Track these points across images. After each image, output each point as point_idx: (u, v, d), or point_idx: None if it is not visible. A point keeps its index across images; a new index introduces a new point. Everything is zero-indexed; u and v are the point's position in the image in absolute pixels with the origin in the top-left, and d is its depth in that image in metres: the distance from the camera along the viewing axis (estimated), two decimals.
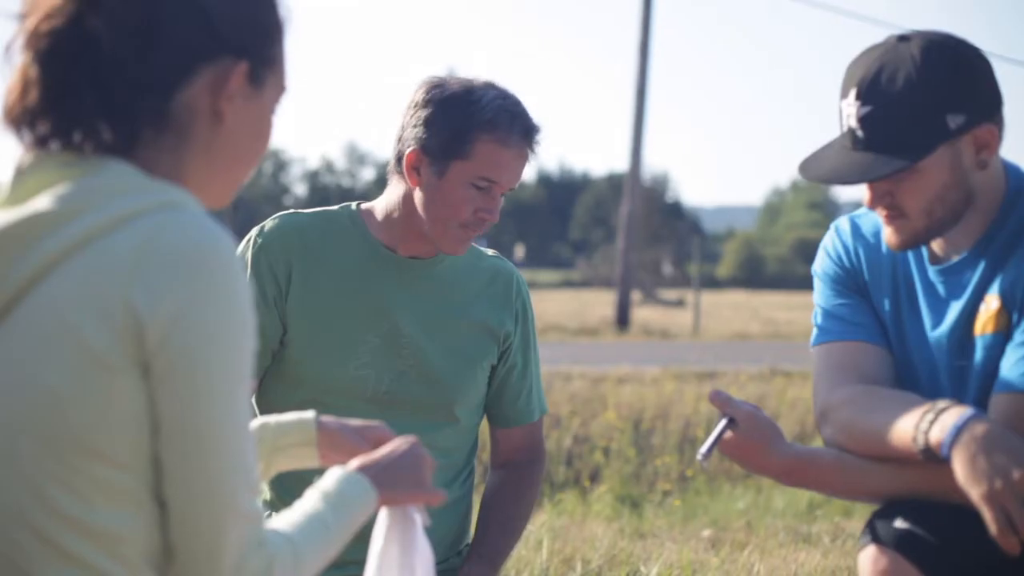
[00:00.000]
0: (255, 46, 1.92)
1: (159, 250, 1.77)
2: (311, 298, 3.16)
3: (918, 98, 2.60)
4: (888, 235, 2.72)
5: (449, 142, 3.08)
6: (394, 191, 3.21)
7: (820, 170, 2.70)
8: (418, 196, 3.14)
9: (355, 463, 2.15)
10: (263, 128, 1.97)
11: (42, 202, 1.80)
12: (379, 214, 3.23)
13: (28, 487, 1.79)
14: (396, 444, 2.23)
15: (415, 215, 3.17)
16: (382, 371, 3.17)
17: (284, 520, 1.94)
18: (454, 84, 3.12)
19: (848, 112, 2.66)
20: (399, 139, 3.16)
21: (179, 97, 1.87)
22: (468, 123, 3.07)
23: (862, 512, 7.87)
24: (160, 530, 1.82)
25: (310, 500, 2.01)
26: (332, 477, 2.08)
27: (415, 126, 3.11)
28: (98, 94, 1.83)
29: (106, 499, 1.79)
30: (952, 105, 2.61)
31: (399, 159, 3.16)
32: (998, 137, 2.65)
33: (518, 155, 3.12)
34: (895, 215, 2.68)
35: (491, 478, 3.41)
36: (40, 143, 1.85)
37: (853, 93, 2.65)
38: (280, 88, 1.99)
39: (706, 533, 7.06)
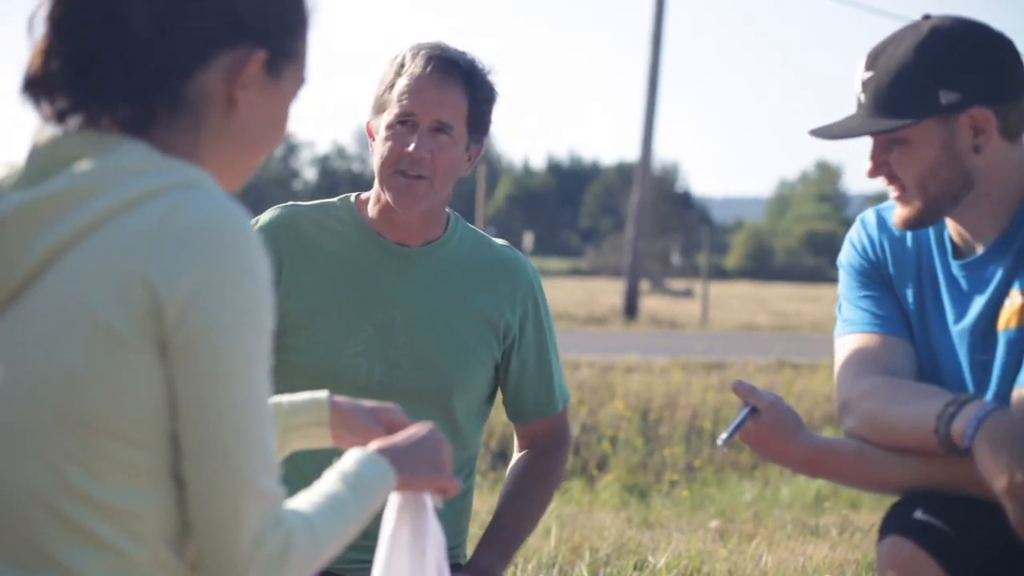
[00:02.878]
0: (275, 36, 1.92)
1: (177, 228, 1.76)
2: (304, 289, 3.14)
3: (913, 68, 2.65)
4: (894, 213, 2.77)
5: (377, 97, 3.16)
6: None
7: (822, 128, 2.78)
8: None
9: (375, 445, 2.14)
10: (278, 119, 1.97)
11: (59, 181, 1.80)
12: (369, 204, 3.23)
13: (45, 466, 1.78)
14: (415, 429, 2.22)
15: (382, 195, 3.18)
16: (375, 360, 3.14)
17: (303, 500, 1.93)
18: None
19: (857, 78, 2.74)
20: None
21: (195, 80, 1.87)
22: (389, 74, 3.14)
23: (870, 505, 7.86)
24: (177, 508, 1.82)
25: (329, 481, 2.00)
26: (352, 458, 2.07)
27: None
28: (119, 70, 1.83)
29: (123, 478, 1.79)
30: (947, 81, 2.64)
31: None
32: (995, 124, 2.66)
33: (432, 85, 3.11)
34: (899, 190, 2.72)
35: (514, 461, 3.37)
36: (59, 117, 1.85)
37: (864, 61, 2.73)
38: (299, 81, 1.99)
39: (714, 524, 7.05)
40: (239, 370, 1.78)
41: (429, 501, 2.39)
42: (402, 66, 3.13)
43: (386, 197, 3.14)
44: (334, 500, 1.96)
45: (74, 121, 1.85)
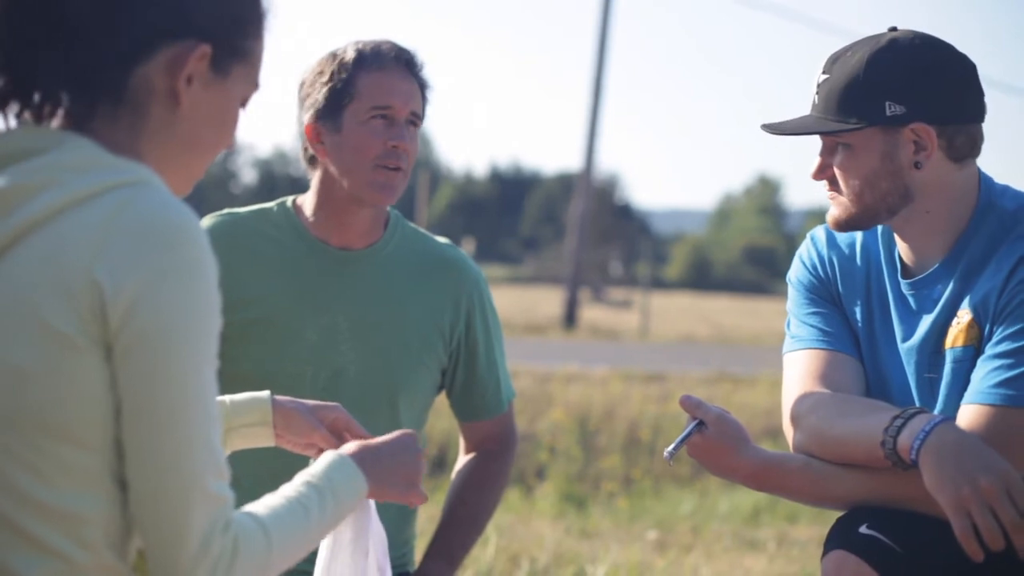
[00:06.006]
0: (222, 32, 1.90)
1: (123, 226, 1.75)
2: (245, 300, 3.10)
3: (863, 76, 2.68)
4: (828, 213, 2.80)
5: (332, 94, 3.11)
6: (312, 184, 3.20)
7: (774, 124, 2.81)
8: (330, 164, 3.14)
9: (351, 448, 2.12)
10: (224, 118, 1.94)
11: (11, 176, 1.77)
12: (308, 208, 3.20)
13: None
14: (396, 436, 2.21)
15: (331, 198, 3.15)
16: (319, 368, 3.12)
17: (262, 503, 1.91)
18: (317, 59, 3.18)
19: (815, 80, 2.76)
20: (300, 133, 3.19)
21: (138, 72, 1.85)
22: (340, 69, 3.11)
23: (808, 519, 7.90)
24: (121, 512, 1.80)
25: (295, 484, 1.99)
26: (324, 460, 2.05)
27: (301, 107, 3.17)
28: (55, 56, 1.81)
29: (68, 480, 1.76)
30: (894, 94, 2.67)
31: (305, 148, 3.18)
32: (936, 143, 2.68)
33: (400, 78, 3.12)
34: (835, 191, 2.75)
35: (460, 466, 3.36)
36: None
37: (824, 63, 2.76)
38: (251, 83, 1.97)
39: (652, 535, 7.06)
40: (185, 372, 1.76)
41: (371, 500, 2.38)
42: (360, 60, 3.10)
43: (359, 193, 3.11)
44: (295, 503, 1.94)
45: (13, 109, 1.83)
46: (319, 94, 3.12)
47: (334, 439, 2.40)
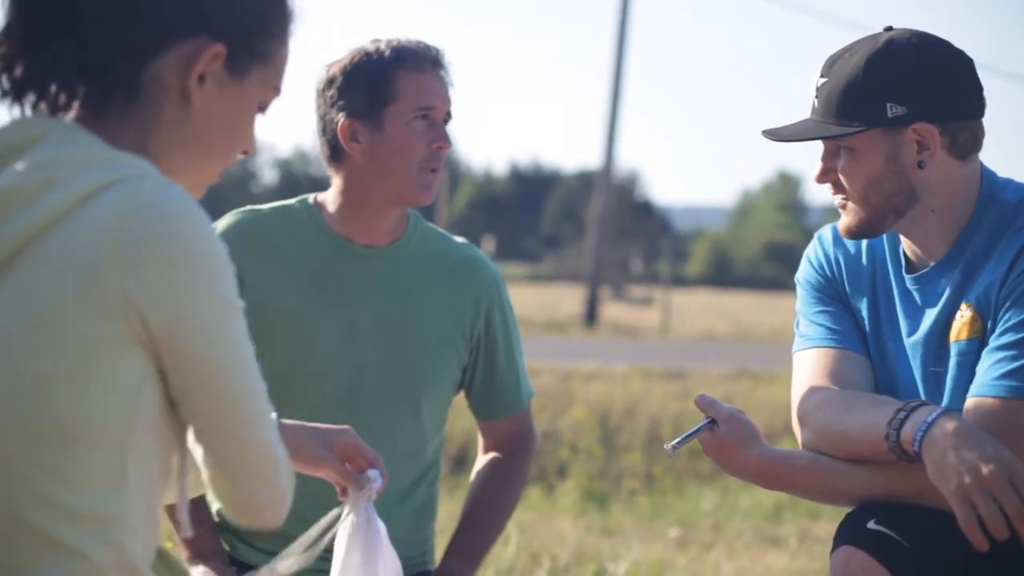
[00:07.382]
0: (240, 33, 1.88)
1: (134, 225, 1.73)
2: (267, 295, 3.10)
3: (863, 78, 2.67)
4: (839, 222, 2.80)
5: (372, 93, 3.09)
6: (337, 182, 3.19)
7: (774, 130, 2.80)
8: (365, 163, 3.12)
9: None
10: (239, 121, 1.92)
11: (10, 176, 1.76)
12: (331, 206, 3.20)
13: (10, 473, 1.75)
14: None
15: (363, 196, 3.15)
16: (342, 365, 3.12)
17: None
18: (345, 55, 3.15)
19: (813, 83, 2.76)
20: (323, 129, 3.16)
21: (151, 67, 1.84)
22: (379, 69, 3.09)
23: (829, 515, 7.89)
24: (139, 510, 1.80)
25: None
26: None
27: (332, 104, 3.13)
28: (70, 47, 1.81)
29: (89, 481, 1.76)
30: (895, 95, 2.66)
31: (331, 145, 3.15)
32: (939, 141, 2.67)
33: (437, 78, 3.13)
34: (841, 194, 2.74)
35: (480, 465, 3.37)
36: (16, 93, 1.84)
37: (821, 67, 2.75)
38: (269, 87, 1.95)
39: (673, 533, 7.06)
40: (236, 363, 1.83)
41: (382, 526, 2.38)
42: (399, 60, 3.09)
43: (403, 194, 3.12)
44: None
45: (30, 99, 1.83)
46: (356, 92, 3.10)
47: (342, 467, 2.41)
